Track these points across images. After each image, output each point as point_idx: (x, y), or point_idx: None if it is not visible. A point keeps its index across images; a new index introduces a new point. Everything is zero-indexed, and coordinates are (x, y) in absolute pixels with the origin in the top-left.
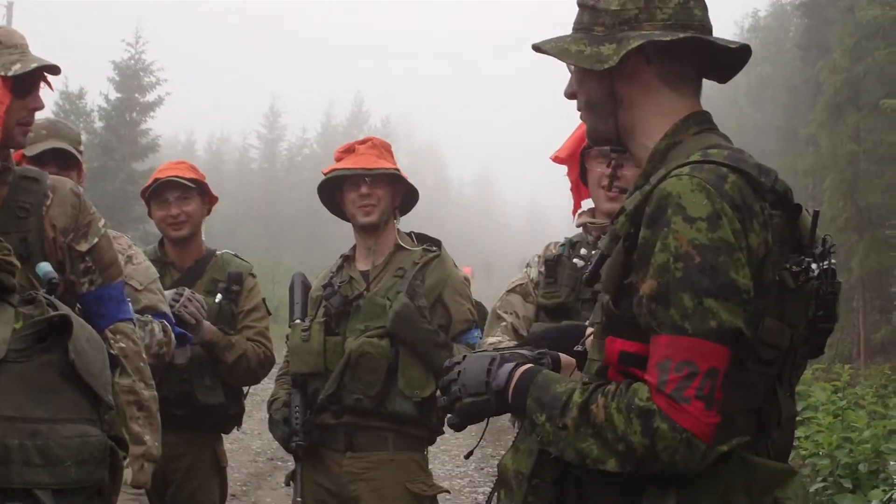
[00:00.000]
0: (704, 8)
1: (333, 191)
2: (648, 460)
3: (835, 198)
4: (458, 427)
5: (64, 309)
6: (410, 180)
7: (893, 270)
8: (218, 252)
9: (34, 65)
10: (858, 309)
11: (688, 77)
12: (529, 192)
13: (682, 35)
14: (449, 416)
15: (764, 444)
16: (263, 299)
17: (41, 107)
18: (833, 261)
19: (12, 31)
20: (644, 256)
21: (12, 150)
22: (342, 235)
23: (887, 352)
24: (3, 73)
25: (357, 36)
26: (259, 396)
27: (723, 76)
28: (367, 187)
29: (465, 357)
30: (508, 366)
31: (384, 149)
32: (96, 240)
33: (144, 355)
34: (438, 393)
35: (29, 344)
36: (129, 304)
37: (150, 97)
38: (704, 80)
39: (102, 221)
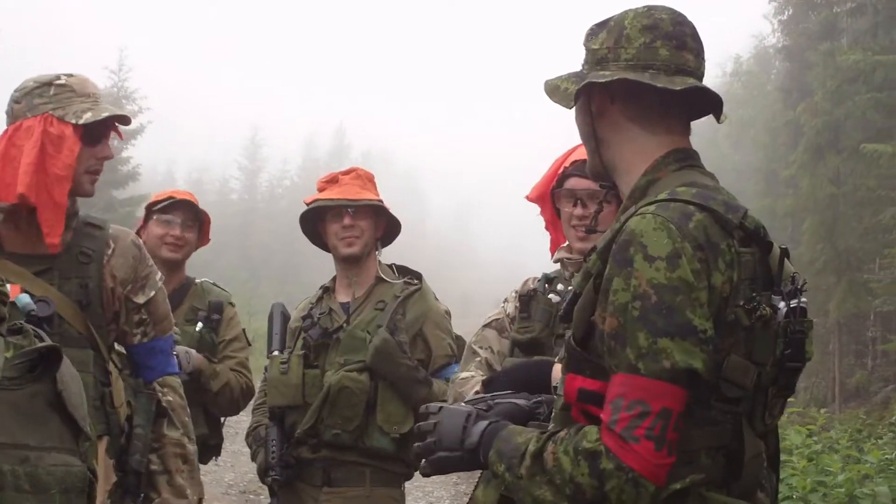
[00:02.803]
0: (677, 47)
1: (315, 221)
2: (598, 502)
3: (814, 240)
4: (427, 475)
5: (48, 340)
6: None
7: (870, 314)
8: (197, 281)
9: (105, 114)
10: (834, 352)
11: (658, 115)
12: (507, 227)
13: (618, 76)
14: (422, 464)
15: (734, 482)
16: (244, 329)
17: (110, 156)
18: (804, 299)
19: (85, 80)
20: (605, 293)
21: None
22: (319, 267)
23: (862, 396)
24: (74, 122)
25: (340, 69)
26: (232, 429)
27: (715, 113)
28: (350, 218)
29: (441, 409)
30: (482, 424)
31: (367, 179)
32: (153, 293)
33: (188, 409)
34: (415, 444)
35: (20, 373)
36: (176, 357)
37: (132, 125)
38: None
39: (159, 275)
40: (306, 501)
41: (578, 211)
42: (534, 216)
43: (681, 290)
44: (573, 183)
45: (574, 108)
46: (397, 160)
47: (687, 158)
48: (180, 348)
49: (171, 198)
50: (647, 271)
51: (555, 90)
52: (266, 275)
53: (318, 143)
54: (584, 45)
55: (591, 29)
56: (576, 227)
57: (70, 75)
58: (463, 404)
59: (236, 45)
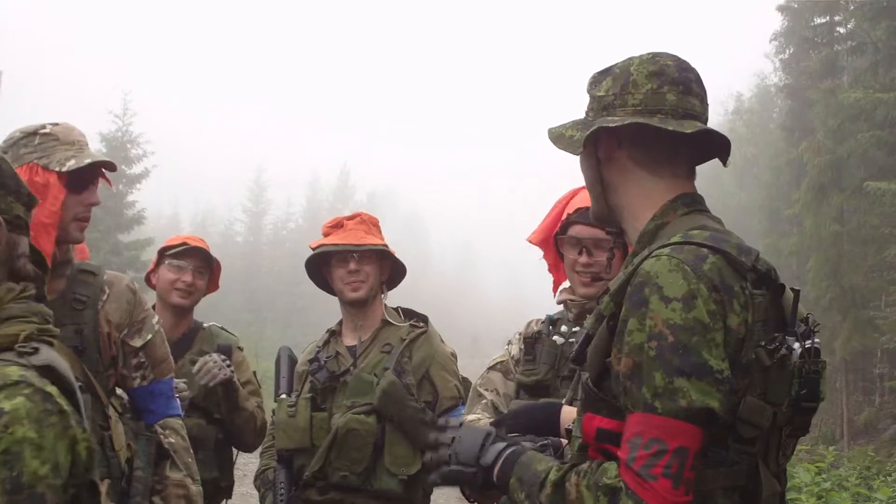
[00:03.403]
0: (684, 92)
1: (320, 265)
2: None
3: (818, 278)
4: (435, 484)
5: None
6: (397, 255)
7: (876, 351)
8: (205, 325)
9: (88, 160)
10: (842, 390)
11: (665, 159)
12: (509, 266)
13: (629, 121)
14: (431, 474)
15: None
16: (254, 372)
17: (97, 202)
18: (817, 340)
19: (70, 128)
20: (620, 333)
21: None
22: (324, 310)
23: (870, 433)
24: (58, 169)
25: (343, 111)
26: (240, 471)
27: (722, 157)
28: (355, 263)
29: (461, 425)
30: (500, 444)
31: (372, 224)
32: (150, 336)
33: (191, 451)
34: (427, 455)
35: None
36: (178, 400)
37: (137, 169)
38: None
39: (156, 318)
40: None
41: (584, 259)
42: (535, 256)
43: (696, 331)
44: (577, 230)
45: (580, 155)
46: (401, 201)
47: (694, 203)
48: (215, 356)
49: (184, 244)
50: (663, 312)
51: (559, 138)
52: (271, 317)
53: (323, 185)
54: (588, 92)
55: (595, 76)
56: (580, 274)
57: (55, 124)
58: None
59: (241, 88)
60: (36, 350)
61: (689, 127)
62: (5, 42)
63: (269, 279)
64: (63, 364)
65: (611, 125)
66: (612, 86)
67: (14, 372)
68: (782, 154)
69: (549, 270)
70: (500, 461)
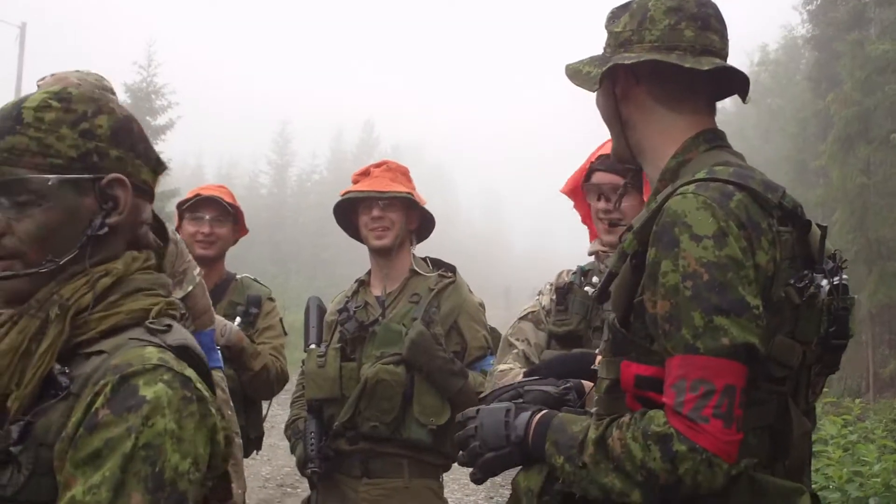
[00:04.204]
0: (702, 28)
1: (350, 213)
2: (671, 485)
3: (845, 230)
4: (480, 481)
5: None
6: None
7: None
8: (238, 276)
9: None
10: (868, 343)
11: (685, 96)
12: (536, 219)
13: (645, 58)
14: (471, 471)
15: (780, 462)
16: (280, 320)
17: None
18: (845, 276)
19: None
20: (653, 276)
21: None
22: (349, 261)
23: None
24: None
25: (367, 62)
26: (268, 422)
27: (741, 94)
28: (379, 210)
29: (478, 411)
30: (525, 415)
31: (399, 172)
32: (191, 287)
33: (231, 404)
34: (459, 452)
35: None
36: (219, 352)
37: (162, 120)
38: (720, 108)
39: (198, 270)
40: (346, 493)
41: (602, 205)
42: (563, 206)
43: (731, 268)
44: (598, 177)
45: (597, 92)
46: (426, 153)
47: (716, 139)
48: (218, 318)
49: (197, 195)
50: (695, 250)
51: (576, 74)
52: (296, 269)
53: (347, 137)
54: (606, 27)
55: (613, 11)
56: (602, 220)
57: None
58: (494, 388)
59: (265, 40)
60: (169, 328)
61: (706, 63)
62: None
63: (294, 231)
64: (195, 342)
65: (627, 62)
66: (630, 21)
67: (153, 354)
68: (808, 106)
69: (583, 221)
70: (531, 431)
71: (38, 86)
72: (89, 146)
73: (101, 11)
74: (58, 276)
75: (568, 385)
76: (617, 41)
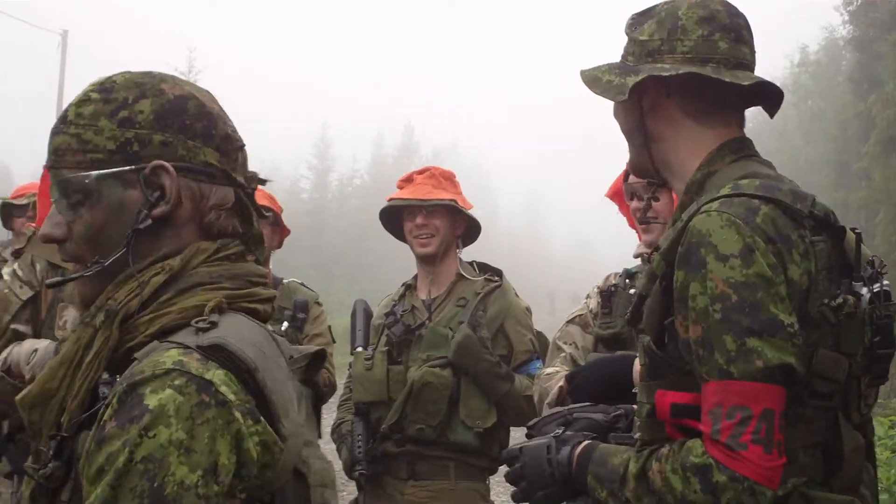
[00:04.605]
0: (735, 40)
1: (396, 217)
2: None
3: (888, 232)
4: None
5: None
6: (467, 210)
7: None
8: (285, 280)
9: None
10: None
11: (714, 109)
12: (577, 223)
13: (694, 69)
14: None
15: (835, 478)
16: (329, 327)
17: None
18: (886, 282)
19: None
20: (683, 300)
21: None
22: (391, 265)
23: None
24: None
25: (406, 66)
26: None
27: (770, 107)
28: (422, 218)
29: (521, 450)
30: (566, 449)
31: (444, 178)
32: None
33: None
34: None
35: (299, 376)
36: None
37: None
38: (754, 113)
39: None
40: (392, 495)
41: (635, 204)
42: (604, 210)
43: (760, 286)
44: (631, 178)
45: (616, 104)
46: (466, 156)
47: (742, 148)
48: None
49: None
50: (721, 271)
51: (595, 82)
52: (338, 273)
53: (387, 141)
54: (628, 34)
55: (635, 18)
56: (638, 221)
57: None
58: (542, 415)
59: (304, 45)
60: (212, 325)
61: (744, 78)
62: (71, 1)
63: (336, 236)
64: (243, 339)
65: (664, 74)
66: (658, 30)
67: (170, 357)
68: (850, 107)
69: (629, 224)
70: (574, 466)
71: None
72: (128, 135)
73: (141, 20)
74: (115, 277)
75: (619, 413)
76: (643, 50)
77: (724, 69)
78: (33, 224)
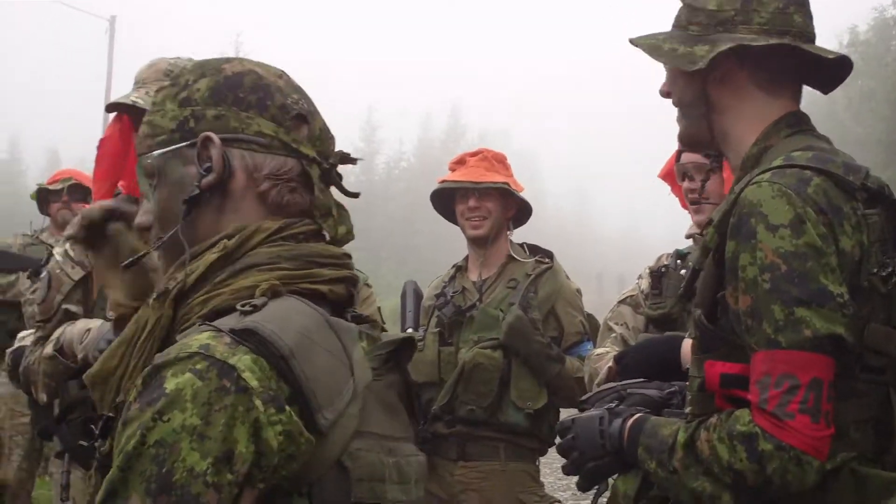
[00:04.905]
0: (806, 14)
1: (447, 200)
2: (760, 486)
3: None
4: (585, 489)
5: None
6: (519, 192)
7: None
8: None
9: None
10: None
11: (783, 81)
12: (626, 204)
13: (775, 41)
14: (577, 480)
15: (888, 454)
16: (378, 308)
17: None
18: None
19: (143, 66)
20: (733, 270)
21: None
22: (439, 247)
23: None
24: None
25: (453, 49)
26: None
27: (824, 86)
28: (475, 200)
29: (574, 421)
30: (618, 421)
31: (496, 160)
32: None
33: None
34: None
35: (379, 364)
36: None
37: None
38: (804, 92)
39: None
40: (442, 475)
41: (686, 184)
42: (654, 190)
43: (810, 256)
44: (683, 158)
45: (675, 72)
46: (513, 138)
47: (799, 122)
48: None
49: None
50: (771, 241)
51: (657, 50)
52: (386, 256)
53: (434, 124)
54: (689, 3)
55: None
56: (689, 201)
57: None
58: (596, 390)
59: (349, 28)
60: (255, 308)
61: (826, 52)
62: None
63: (383, 218)
64: (287, 324)
65: (756, 44)
66: (730, 0)
67: (197, 341)
68: None
69: (681, 205)
70: (626, 438)
71: (135, 79)
72: (186, 113)
73: (188, 4)
74: (179, 257)
75: (672, 389)
76: (713, 19)
77: (801, 42)
78: (86, 204)
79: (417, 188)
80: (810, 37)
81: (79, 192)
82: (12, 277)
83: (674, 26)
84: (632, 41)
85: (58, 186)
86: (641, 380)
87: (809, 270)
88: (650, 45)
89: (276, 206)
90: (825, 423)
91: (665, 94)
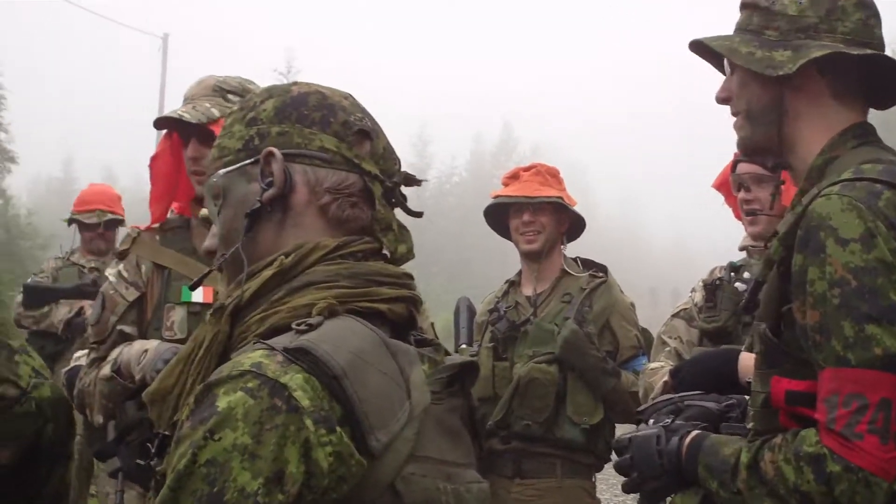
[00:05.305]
0: (880, 28)
1: (501, 215)
2: None
3: None
4: None
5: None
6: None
7: None
8: None
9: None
10: None
11: (856, 93)
12: (675, 217)
13: (868, 52)
14: (639, 500)
15: None
16: (432, 324)
17: (191, 156)
18: None
19: (194, 84)
20: (801, 285)
21: None
22: (490, 262)
23: None
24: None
25: (503, 64)
26: None
27: (882, 102)
28: (529, 215)
29: (630, 440)
30: (675, 439)
31: (550, 175)
32: None
33: None
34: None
35: (441, 387)
36: None
37: None
38: None
39: None
40: (498, 492)
41: (742, 195)
42: (704, 202)
43: (880, 272)
44: (739, 168)
45: (746, 77)
46: (564, 152)
47: (865, 134)
48: None
49: None
50: (841, 255)
51: (735, 53)
52: (437, 271)
53: (485, 138)
54: (765, 6)
55: None
56: (745, 212)
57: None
58: (653, 401)
59: (399, 43)
60: (310, 327)
61: None
62: (169, 5)
63: (435, 234)
64: (341, 344)
65: (852, 52)
66: (812, 7)
67: (250, 360)
68: None
69: (735, 216)
70: (684, 455)
71: (185, 96)
72: (251, 132)
73: (239, 22)
74: (240, 273)
75: (731, 402)
76: (794, 25)
77: (881, 55)
78: (137, 226)
79: (469, 203)
80: (882, 49)
81: (113, 224)
82: (45, 309)
83: (739, 30)
84: (698, 42)
85: (93, 220)
86: (698, 392)
87: (880, 287)
88: (726, 46)
89: (337, 221)
90: (894, 444)
91: (722, 100)
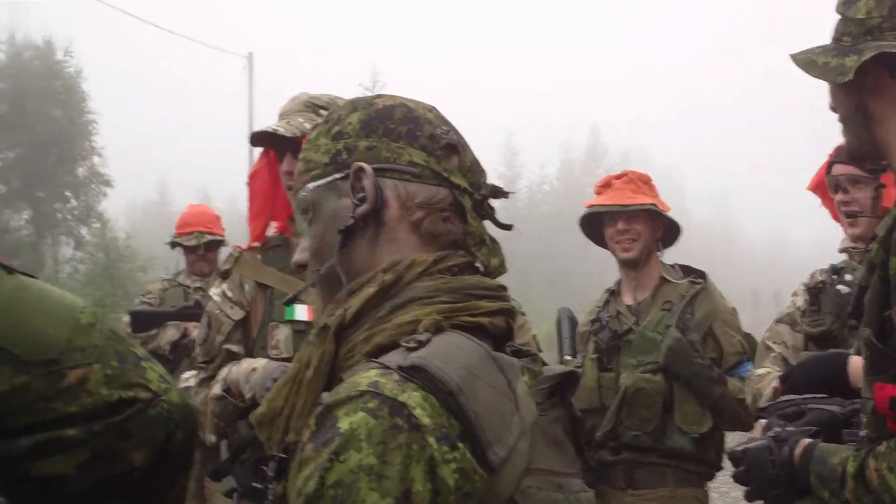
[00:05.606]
0: None
1: (596, 224)
2: None
3: None
4: None
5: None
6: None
7: None
8: None
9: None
10: None
11: None
12: (771, 220)
13: None
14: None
15: None
16: (534, 336)
17: (286, 170)
18: None
19: (291, 99)
20: None
21: None
22: (586, 267)
23: None
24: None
25: (589, 67)
26: None
27: None
28: (623, 223)
29: (744, 452)
30: (786, 449)
31: (642, 182)
32: None
33: None
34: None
35: (543, 398)
36: None
37: None
38: None
39: None
40: None
41: (839, 197)
42: (800, 204)
43: None
44: (835, 170)
45: (833, 86)
46: (655, 157)
47: None
48: None
49: None
50: None
51: (811, 65)
52: (533, 280)
53: (574, 145)
54: (842, 13)
55: None
56: (843, 214)
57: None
58: (775, 401)
59: (483, 53)
60: (419, 344)
61: None
62: (253, 25)
63: (528, 243)
64: (451, 360)
65: (893, 50)
66: (877, 7)
67: (366, 379)
68: None
69: (833, 218)
70: (796, 467)
71: (279, 113)
72: (338, 146)
73: (323, 40)
74: (335, 290)
75: (855, 407)
76: (861, 28)
77: None
78: (239, 245)
79: (560, 211)
80: None
81: (214, 245)
82: (153, 332)
83: (832, 39)
84: (793, 58)
85: (193, 242)
86: (822, 395)
87: None
88: (804, 60)
89: (430, 236)
90: None
91: (833, 109)
